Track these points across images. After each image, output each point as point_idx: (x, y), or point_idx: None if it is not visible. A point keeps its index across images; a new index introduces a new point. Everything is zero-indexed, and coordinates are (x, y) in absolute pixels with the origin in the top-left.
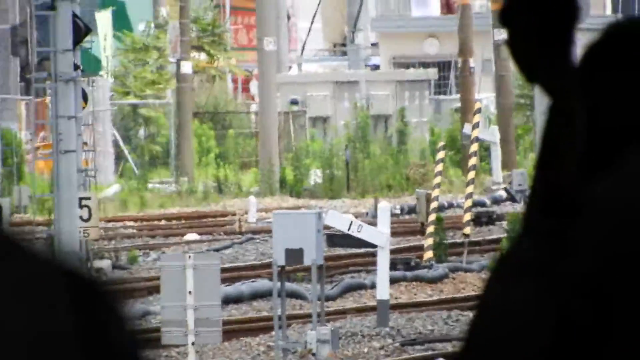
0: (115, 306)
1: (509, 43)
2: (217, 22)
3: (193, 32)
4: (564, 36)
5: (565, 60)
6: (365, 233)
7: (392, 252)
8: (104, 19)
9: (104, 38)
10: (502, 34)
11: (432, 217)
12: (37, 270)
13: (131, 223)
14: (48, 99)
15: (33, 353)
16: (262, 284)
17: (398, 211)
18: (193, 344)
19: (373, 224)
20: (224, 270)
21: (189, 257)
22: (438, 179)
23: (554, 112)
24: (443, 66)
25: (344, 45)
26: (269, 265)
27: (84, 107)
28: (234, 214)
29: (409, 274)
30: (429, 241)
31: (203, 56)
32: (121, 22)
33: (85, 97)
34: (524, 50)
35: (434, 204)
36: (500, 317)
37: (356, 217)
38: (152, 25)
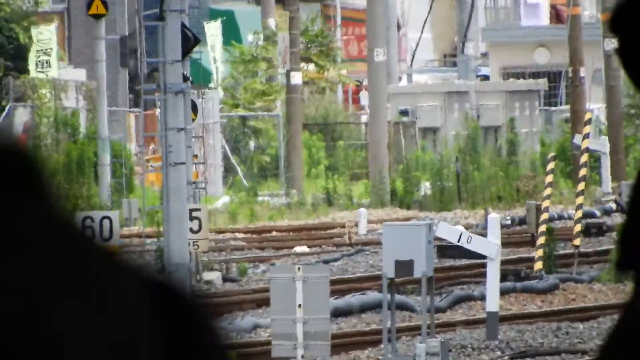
0: (204, 319)
1: (619, 51)
2: (324, 32)
3: (302, 43)
4: None
5: None
6: (475, 244)
7: (502, 263)
8: (213, 30)
9: (213, 49)
10: (613, 44)
11: (542, 228)
12: (124, 280)
13: (241, 235)
14: (157, 110)
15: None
16: (371, 296)
17: (508, 222)
18: (302, 357)
19: (483, 235)
20: (333, 282)
21: (298, 269)
22: (548, 190)
23: None
24: (553, 76)
25: (453, 55)
26: (378, 278)
27: (193, 119)
28: (344, 226)
29: (518, 285)
30: (539, 252)
31: (312, 67)
32: (230, 33)
33: (195, 109)
34: (634, 58)
35: (544, 215)
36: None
37: (466, 228)
38: (261, 36)
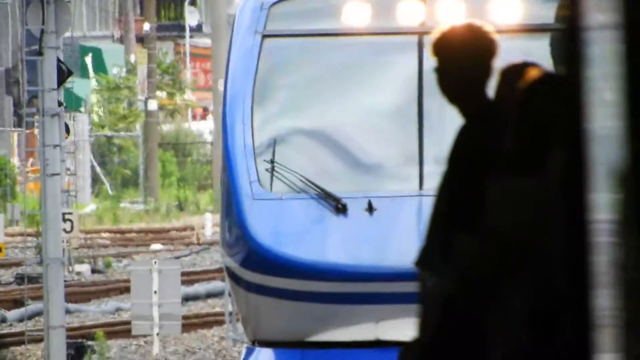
0: None
1: None
2: (175, 65)
3: (158, 74)
4: None
5: None
6: None
7: None
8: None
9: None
10: None
11: None
12: None
13: (106, 235)
14: (36, 130)
15: None
16: (215, 285)
17: None
18: (158, 334)
19: None
20: (184, 274)
21: (155, 262)
22: None
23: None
24: None
25: None
26: (221, 270)
27: (66, 138)
28: (193, 229)
29: None
30: None
31: (165, 94)
32: (99, 66)
33: (67, 129)
34: None
35: None
36: None
37: None
38: (124, 68)
